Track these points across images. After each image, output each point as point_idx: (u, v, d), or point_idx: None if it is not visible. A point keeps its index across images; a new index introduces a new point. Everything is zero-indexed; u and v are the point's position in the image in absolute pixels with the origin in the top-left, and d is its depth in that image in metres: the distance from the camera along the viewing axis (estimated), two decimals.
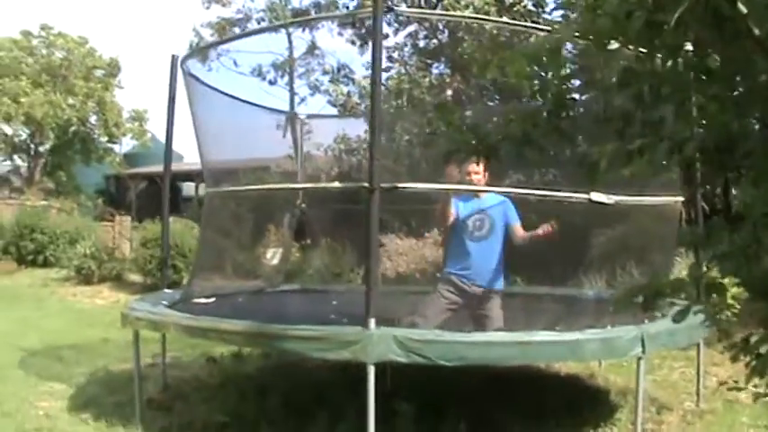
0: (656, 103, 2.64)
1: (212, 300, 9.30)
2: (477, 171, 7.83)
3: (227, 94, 10.02)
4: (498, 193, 8.03)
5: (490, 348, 6.33)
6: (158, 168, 32.88)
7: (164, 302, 8.27)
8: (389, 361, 6.11)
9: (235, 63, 25.17)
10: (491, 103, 18.88)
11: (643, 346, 6.70)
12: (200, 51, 9.51)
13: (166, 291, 9.12)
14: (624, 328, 6.78)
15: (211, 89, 9.70)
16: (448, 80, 20.45)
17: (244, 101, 10.69)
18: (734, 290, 8.97)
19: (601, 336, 6.61)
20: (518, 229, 8.11)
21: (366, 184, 6.27)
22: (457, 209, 7.99)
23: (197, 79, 9.13)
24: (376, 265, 6.32)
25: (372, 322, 6.10)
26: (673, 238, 8.73)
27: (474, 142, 2.86)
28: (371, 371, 6.03)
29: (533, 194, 7.47)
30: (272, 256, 13.60)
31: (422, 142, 14.85)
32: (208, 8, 26.43)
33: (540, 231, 7.82)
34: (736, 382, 3.60)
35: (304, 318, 8.41)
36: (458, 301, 7.93)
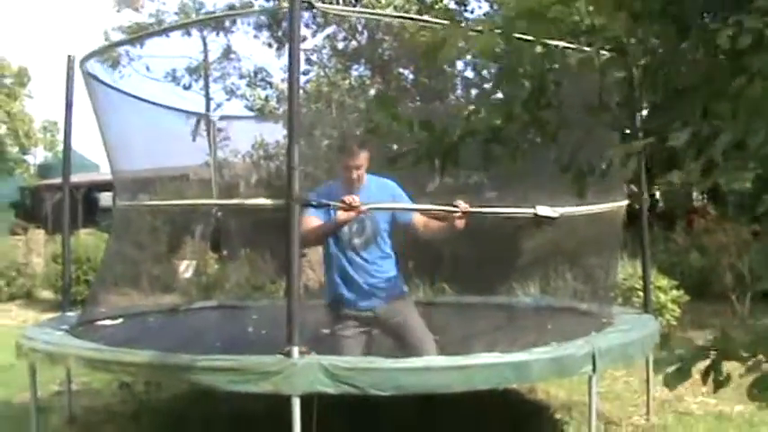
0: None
1: (119, 321, 8.52)
2: (359, 164, 6.41)
3: (133, 96, 9.25)
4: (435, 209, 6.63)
5: (429, 375, 5.62)
6: (73, 179, 32.05)
7: (65, 327, 7.47)
8: (316, 392, 5.43)
9: (147, 68, 24.59)
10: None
11: (594, 363, 6.12)
12: (102, 51, 8.62)
13: (69, 314, 8.27)
14: (574, 345, 6.21)
15: (116, 91, 8.91)
16: (368, 82, 20.05)
17: (152, 102, 9.88)
18: (673, 293, 8.48)
19: (549, 355, 5.99)
20: (418, 220, 6.60)
21: (282, 201, 5.60)
22: (324, 215, 6.42)
23: (99, 81, 8.32)
24: (297, 285, 5.56)
25: (296, 350, 5.38)
26: (617, 243, 8.22)
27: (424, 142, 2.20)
28: (296, 403, 5.32)
29: (473, 212, 6.61)
30: (186, 269, 12.89)
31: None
32: (119, 11, 25.58)
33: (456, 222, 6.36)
34: None
35: (221, 340, 7.75)
36: (361, 330, 6.59)
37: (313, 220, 6.33)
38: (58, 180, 38.00)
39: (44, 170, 43.61)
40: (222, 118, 11.73)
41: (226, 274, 12.92)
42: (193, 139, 10.49)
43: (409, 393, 5.57)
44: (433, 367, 5.67)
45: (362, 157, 6.43)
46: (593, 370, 6.16)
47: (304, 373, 5.33)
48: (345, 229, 6.42)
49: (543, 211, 6.20)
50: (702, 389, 9.34)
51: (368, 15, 15.25)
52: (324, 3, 6.87)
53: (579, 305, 8.86)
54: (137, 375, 7.08)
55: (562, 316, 8.25)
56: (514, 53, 2.06)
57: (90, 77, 7.98)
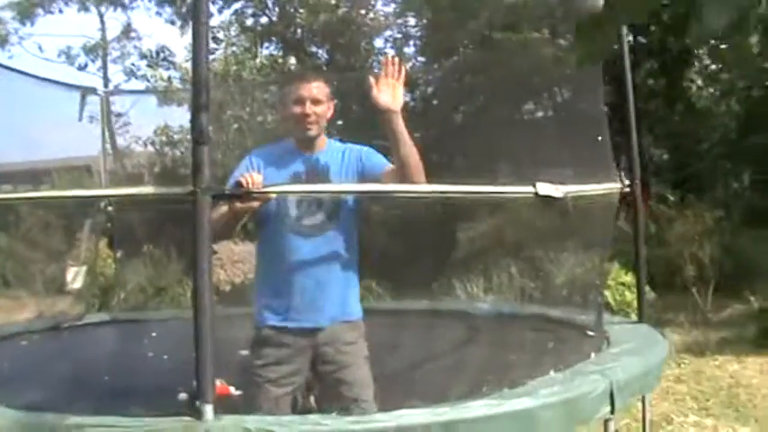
0: None
1: None
2: (315, 96, 4.53)
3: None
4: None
5: None
6: None
7: None
8: None
9: (40, 48, 23.26)
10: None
11: (612, 402, 4.53)
12: None
13: None
14: (586, 379, 4.59)
15: None
16: (281, 60, 18.89)
17: (20, 72, 8.01)
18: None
19: (558, 397, 4.32)
20: (389, 173, 4.49)
21: (189, 189, 3.71)
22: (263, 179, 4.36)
23: None
24: (211, 314, 3.66)
25: (209, 410, 3.63)
26: (609, 231, 6.63)
27: None
28: None
29: (467, 193, 4.83)
30: (74, 277, 11.09)
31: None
32: None
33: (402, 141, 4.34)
34: None
35: (113, 374, 6.03)
36: (290, 371, 4.56)
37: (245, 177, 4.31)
38: None
39: None
40: (112, 92, 9.97)
41: (120, 280, 11.13)
42: (79, 119, 8.64)
43: None
44: (408, 427, 3.92)
45: (319, 90, 4.58)
46: (612, 411, 4.56)
47: None
48: (291, 202, 4.50)
49: (545, 189, 4.52)
50: (690, 404, 8.14)
51: None
52: None
53: (559, 314, 7.15)
54: None
55: (543, 330, 6.61)
56: None
57: None
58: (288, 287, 4.49)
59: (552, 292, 9.06)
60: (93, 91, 9.10)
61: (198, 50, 3.84)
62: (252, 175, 4.19)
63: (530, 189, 4.53)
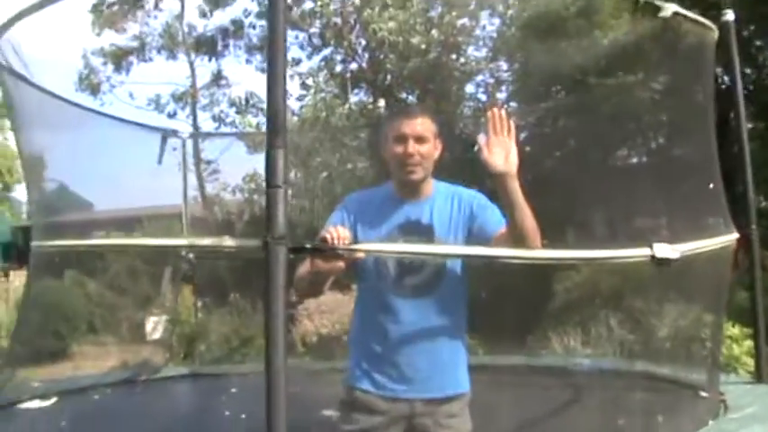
0: None
1: (52, 401, 6.46)
2: (419, 133, 3.98)
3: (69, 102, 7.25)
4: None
5: None
6: (64, 218, 30.64)
7: None
8: None
9: (131, 96, 23.38)
10: None
11: None
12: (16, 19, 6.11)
13: None
14: None
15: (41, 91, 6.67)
16: (370, 106, 18.64)
17: (95, 111, 7.91)
18: (748, 343, 6.27)
19: None
20: (501, 236, 3.87)
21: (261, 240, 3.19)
22: (357, 233, 4.00)
23: (16, 75, 5.99)
24: (284, 382, 3.12)
25: None
26: (724, 282, 6.10)
27: None
28: None
29: (580, 259, 4.33)
30: (155, 327, 10.80)
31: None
32: (99, 35, 23.85)
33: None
34: None
35: None
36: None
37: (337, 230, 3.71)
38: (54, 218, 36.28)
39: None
40: (192, 135, 9.79)
41: (201, 330, 10.81)
42: (159, 161, 8.41)
43: None
44: None
45: (424, 126, 4.02)
46: None
47: None
48: (390, 259, 3.96)
49: (661, 251, 3.97)
50: None
51: None
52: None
53: (668, 372, 6.67)
54: None
55: (651, 390, 6.11)
56: None
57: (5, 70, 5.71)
58: (385, 351, 4.00)
59: (659, 347, 8.49)
60: (175, 133, 8.91)
61: (273, 80, 3.40)
62: (338, 229, 3.62)
63: (645, 251, 3.97)
